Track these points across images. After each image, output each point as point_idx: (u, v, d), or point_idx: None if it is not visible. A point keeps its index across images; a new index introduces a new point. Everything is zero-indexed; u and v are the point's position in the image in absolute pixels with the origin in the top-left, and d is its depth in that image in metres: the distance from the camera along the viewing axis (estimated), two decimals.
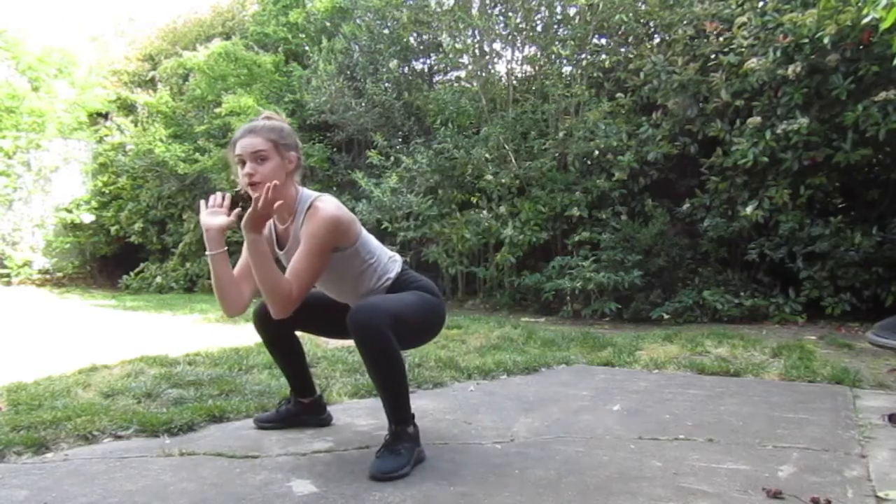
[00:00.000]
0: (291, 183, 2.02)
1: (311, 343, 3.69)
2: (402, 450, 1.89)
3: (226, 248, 1.98)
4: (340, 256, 1.99)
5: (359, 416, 2.49)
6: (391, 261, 2.13)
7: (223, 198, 2.04)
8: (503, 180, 5.98)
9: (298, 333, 2.32)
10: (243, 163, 1.95)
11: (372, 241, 2.10)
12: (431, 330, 2.16)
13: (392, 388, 1.93)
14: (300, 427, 2.34)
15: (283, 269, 1.97)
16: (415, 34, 7.46)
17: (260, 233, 1.87)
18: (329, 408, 2.45)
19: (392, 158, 6.56)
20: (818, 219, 4.97)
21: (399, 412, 1.94)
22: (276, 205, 1.85)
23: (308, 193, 2.03)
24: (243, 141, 1.96)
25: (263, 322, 2.20)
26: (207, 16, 10.13)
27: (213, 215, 1.99)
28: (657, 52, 5.77)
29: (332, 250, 1.93)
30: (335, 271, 2.02)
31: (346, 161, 7.68)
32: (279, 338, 2.27)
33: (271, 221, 2.08)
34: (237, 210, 1.98)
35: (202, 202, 2.05)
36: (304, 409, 2.35)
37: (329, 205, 1.94)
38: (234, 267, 2.05)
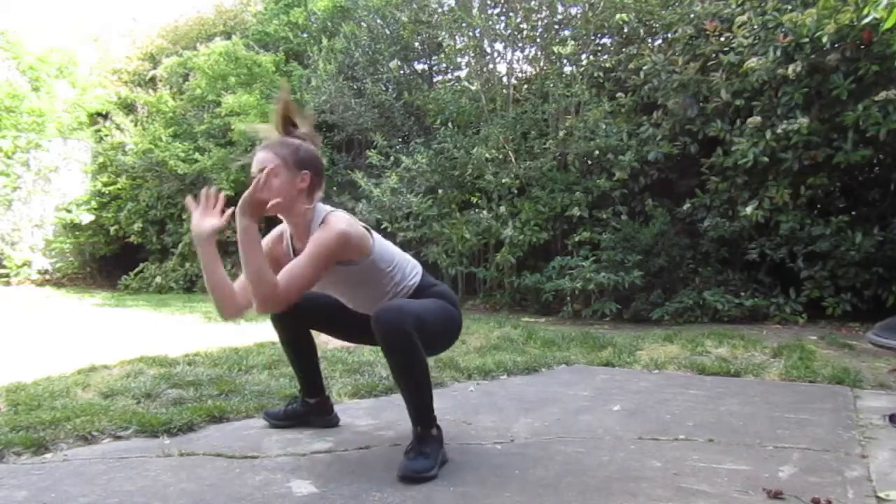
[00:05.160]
0: (305, 201, 1.97)
1: None
2: (429, 451, 1.88)
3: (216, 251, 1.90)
4: (357, 268, 1.97)
5: (358, 416, 2.49)
6: (412, 269, 2.10)
7: (216, 195, 1.93)
8: (503, 180, 5.97)
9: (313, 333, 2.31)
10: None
11: (390, 249, 2.08)
12: (449, 338, 2.14)
13: (417, 389, 1.91)
14: (302, 427, 2.33)
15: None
16: (415, 34, 7.45)
17: (254, 219, 1.84)
18: None
19: (392, 158, 6.55)
20: (819, 219, 4.97)
21: (423, 415, 1.93)
22: (273, 202, 1.85)
23: (323, 208, 2.01)
24: (256, 157, 1.95)
25: (280, 318, 2.18)
26: (210, 15, 10.12)
27: (204, 216, 1.89)
28: (657, 51, 5.77)
29: (335, 262, 1.90)
30: (353, 281, 2.01)
31: (346, 161, 7.68)
32: (295, 335, 2.25)
33: (288, 238, 2.06)
34: (230, 211, 1.89)
35: (191, 199, 1.94)
36: (310, 409, 2.34)
37: (340, 220, 1.93)
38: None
